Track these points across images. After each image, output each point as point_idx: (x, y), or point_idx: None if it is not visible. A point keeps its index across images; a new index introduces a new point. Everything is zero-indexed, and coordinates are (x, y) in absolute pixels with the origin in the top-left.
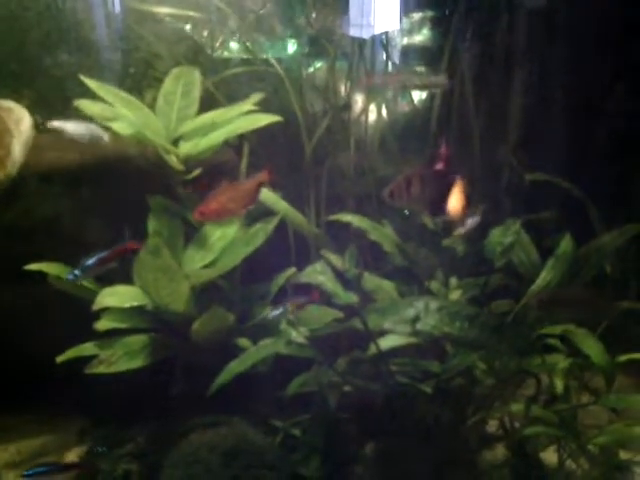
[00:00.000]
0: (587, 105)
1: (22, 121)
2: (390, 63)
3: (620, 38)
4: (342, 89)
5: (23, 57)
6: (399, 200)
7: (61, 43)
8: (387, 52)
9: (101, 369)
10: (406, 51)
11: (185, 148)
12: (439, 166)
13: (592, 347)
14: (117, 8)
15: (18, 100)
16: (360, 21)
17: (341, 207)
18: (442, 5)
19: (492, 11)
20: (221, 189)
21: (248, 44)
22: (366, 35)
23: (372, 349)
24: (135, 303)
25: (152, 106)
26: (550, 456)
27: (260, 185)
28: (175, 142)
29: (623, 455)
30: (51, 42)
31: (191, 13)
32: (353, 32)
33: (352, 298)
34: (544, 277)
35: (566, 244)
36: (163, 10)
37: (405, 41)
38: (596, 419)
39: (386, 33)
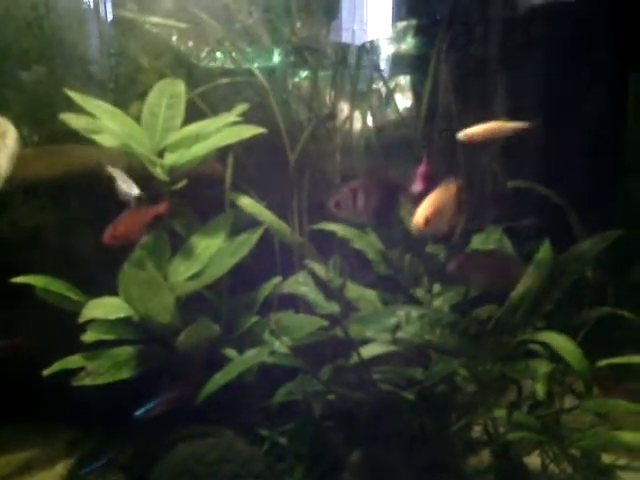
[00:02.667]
0: (569, 110)
1: (7, 134)
2: (375, 71)
3: (599, 42)
4: (327, 98)
5: (7, 70)
6: (344, 210)
7: (45, 56)
8: (373, 60)
9: (88, 381)
10: (390, 59)
11: (170, 159)
12: (417, 187)
13: (571, 353)
14: (103, 20)
15: (3, 113)
16: (351, 26)
17: (326, 215)
18: (427, 13)
19: (472, 20)
20: (126, 214)
21: (233, 54)
22: (356, 41)
23: (355, 358)
24: (121, 314)
25: (138, 118)
26: (534, 460)
27: (157, 216)
28: (160, 154)
29: (605, 459)
30: (35, 54)
31: (176, 24)
32: (344, 38)
33: (334, 308)
34: (524, 283)
35: (545, 250)
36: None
37: (390, 49)
38: (580, 423)
39: (371, 41)
